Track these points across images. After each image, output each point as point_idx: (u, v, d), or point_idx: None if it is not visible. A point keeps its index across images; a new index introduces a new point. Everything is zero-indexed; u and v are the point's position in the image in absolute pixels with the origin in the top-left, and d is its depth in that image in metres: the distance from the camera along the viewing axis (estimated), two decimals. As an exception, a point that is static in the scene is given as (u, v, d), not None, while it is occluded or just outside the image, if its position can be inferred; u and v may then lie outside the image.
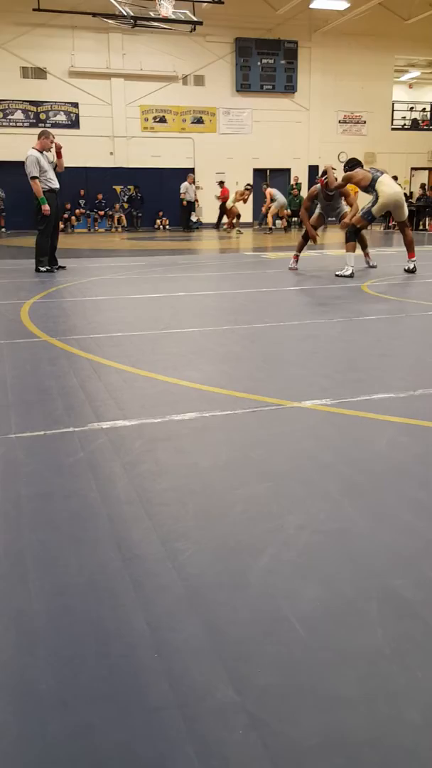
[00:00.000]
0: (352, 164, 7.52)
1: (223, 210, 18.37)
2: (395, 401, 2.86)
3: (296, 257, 8.40)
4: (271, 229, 17.74)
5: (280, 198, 17.40)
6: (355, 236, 7.51)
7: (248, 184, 17.84)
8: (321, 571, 1.55)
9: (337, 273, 7.41)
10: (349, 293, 6.26)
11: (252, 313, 5.31)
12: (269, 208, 17.61)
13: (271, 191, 17.55)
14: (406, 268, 7.63)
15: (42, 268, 8.15)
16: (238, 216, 17.73)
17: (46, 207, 7.77)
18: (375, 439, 2.44)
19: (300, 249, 8.38)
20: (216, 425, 2.59)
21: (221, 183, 19.15)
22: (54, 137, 8.07)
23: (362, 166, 7.49)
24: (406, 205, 7.40)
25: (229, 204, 17.71)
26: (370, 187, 7.19)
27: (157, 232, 19.15)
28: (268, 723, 1.10)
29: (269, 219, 17.74)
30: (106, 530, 1.76)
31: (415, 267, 7.60)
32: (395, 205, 7.26)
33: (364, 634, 1.32)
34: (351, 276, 7.24)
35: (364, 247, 8.26)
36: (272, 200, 17.32)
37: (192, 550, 1.65)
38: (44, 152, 7.90)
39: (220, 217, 18.95)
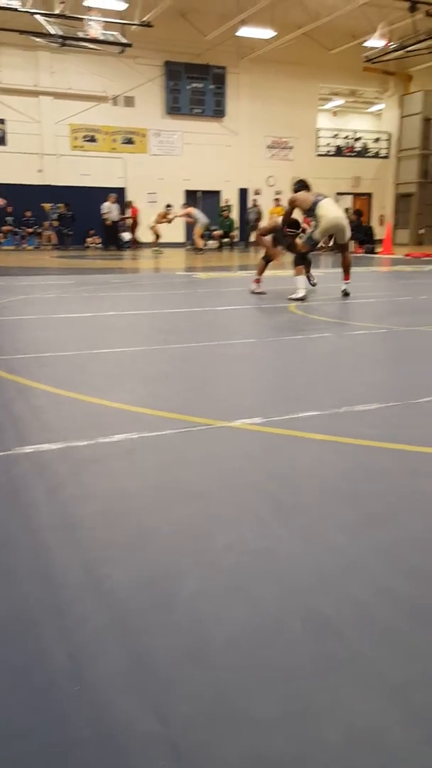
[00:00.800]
0: (299, 186, 7.49)
1: (132, 229, 18.56)
2: (321, 419, 2.91)
3: (257, 281, 8.07)
4: (200, 249, 17.85)
5: (201, 218, 17.48)
6: (301, 260, 7.52)
7: (168, 205, 17.83)
8: (247, 592, 1.54)
9: (289, 296, 7.31)
10: (279, 314, 6.36)
11: (183, 333, 5.32)
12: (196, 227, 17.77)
13: (190, 210, 17.63)
14: (342, 290, 7.60)
15: None
16: (158, 236, 17.73)
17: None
18: (302, 458, 2.47)
19: (261, 272, 8.10)
20: (144, 447, 2.56)
21: (129, 203, 19.31)
22: None
23: (308, 188, 7.45)
24: (348, 228, 7.42)
25: (150, 224, 17.76)
26: (310, 211, 7.18)
27: (88, 251, 19.00)
28: (191, 752, 1.08)
29: (196, 239, 17.85)
30: (27, 558, 1.71)
31: (347, 291, 7.58)
32: (336, 229, 7.27)
33: (288, 655, 1.32)
34: (303, 299, 7.18)
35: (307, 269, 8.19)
36: (195, 220, 17.43)
37: (117, 576, 1.61)
38: None
39: (116, 237, 19.07)
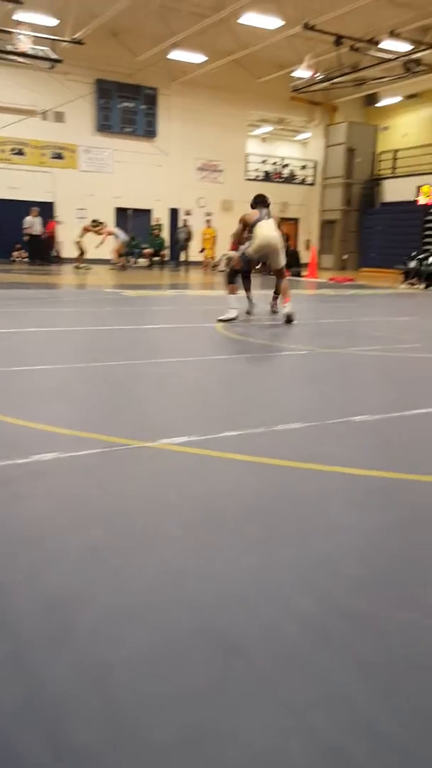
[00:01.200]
0: (254, 202, 7.37)
1: (48, 244, 18.50)
2: (239, 439, 2.94)
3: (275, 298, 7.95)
4: (123, 266, 17.65)
5: (121, 235, 17.40)
6: (233, 278, 7.31)
7: (94, 220, 17.61)
8: (153, 616, 1.53)
9: (219, 318, 7.04)
10: (205, 334, 6.41)
11: (106, 351, 5.27)
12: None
13: (110, 229, 17.57)
14: (285, 313, 7.22)
15: None
16: (82, 252, 17.57)
17: None
18: (218, 478, 2.49)
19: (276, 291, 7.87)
20: (59, 468, 2.51)
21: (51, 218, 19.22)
22: None
23: (265, 205, 7.28)
24: (281, 253, 7.15)
25: (75, 239, 17.59)
26: (252, 228, 7.06)
27: (14, 265, 18.60)
28: (85, 783, 1.06)
29: (115, 256, 17.71)
30: None
31: (290, 314, 7.25)
32: (267, 250, 7.05)
33: (190, 677, 1.31)
34: (234, 318, 7.01)
35: (247, 289, 7.89)
36: (116, 238, 17.38)
37: (19, 605, 1.57)
38: None
39: (42, 252, 18.94)
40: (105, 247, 17.63)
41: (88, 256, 17.84)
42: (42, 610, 1.54)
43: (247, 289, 7.80)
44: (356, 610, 1.59)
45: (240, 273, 7.43)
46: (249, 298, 7.81)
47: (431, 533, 2.07)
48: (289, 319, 7.06)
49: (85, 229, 17.27)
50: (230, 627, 1.49)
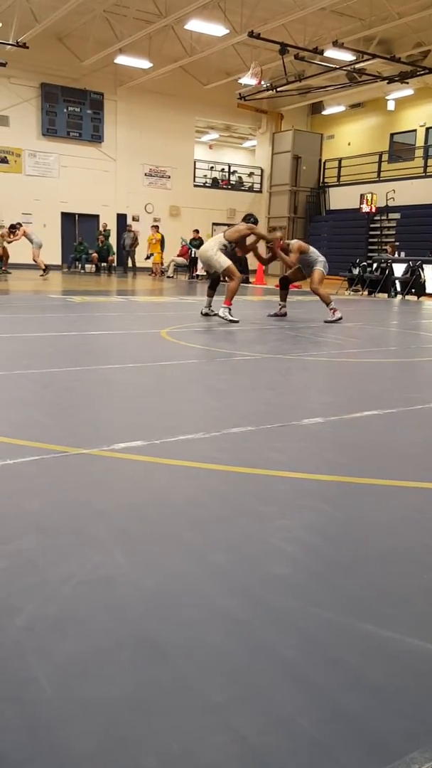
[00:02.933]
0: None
1: None
2: (177, 444, 2.94)
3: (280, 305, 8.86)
4: (44, 270, 16.80)
5: (36, 239, 16.81)
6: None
7: (12, 225, 17.10)
8: (78, 624, 1.52)
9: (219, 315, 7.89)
10: (148, 339, 6.40)
11: (47, 358, 5.20)
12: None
13: (24, 229, 16.99)
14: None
15: None
16: (6, 257, 17.22)
17: None
18: (154, 484, 2.48)
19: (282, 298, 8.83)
20: (-9, 476, 2.46)
21: None
22: None
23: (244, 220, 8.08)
24: (213, 259, 7.79)
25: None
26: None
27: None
28: (-1, 796, 1.04)
29: (40, 263, 16.98)
30: None
31: (219, 314, 7.98)
32: (203, 261, 8.07)
33: (112, 685, 1.31)
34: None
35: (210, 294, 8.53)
36: (30, 241, 16.75)
37: None
38: None
39: None
40: (54, 252, 17.31)
41: (20, 261, 17.47)
42: (-35, 622, 1.51)
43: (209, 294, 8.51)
44: (280, 609, 1.61)
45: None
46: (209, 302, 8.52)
47: (360, 533, 2.12)
48: (213, 315, 8.10)
49: (2, 236, 16.85)
50: (155, 633, 1.49)
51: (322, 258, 8.50)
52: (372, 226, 22.30)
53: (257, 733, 1.20)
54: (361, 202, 20.94)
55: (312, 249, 8.44)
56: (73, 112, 21.29)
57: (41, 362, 4.94)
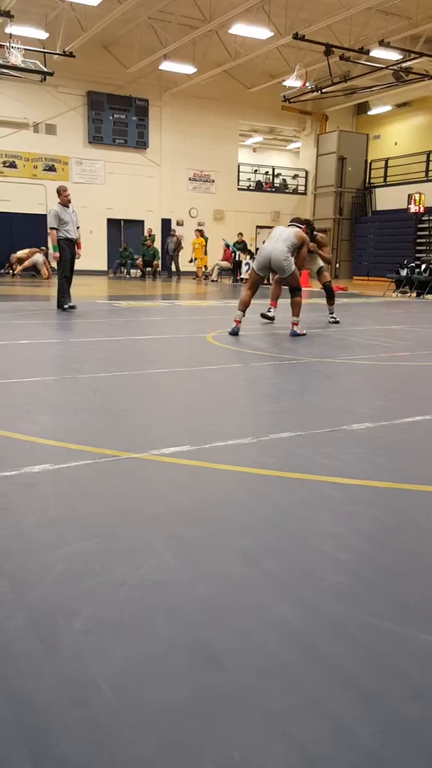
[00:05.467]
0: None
1: None
2: (227, 449, 2.95)
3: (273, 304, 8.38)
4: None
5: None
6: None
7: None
8: (135, 629, 1.54)
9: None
10: (194, 344, 6.43)
11: (97, 362, 5.28)
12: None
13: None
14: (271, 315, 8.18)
15: (65, 306, 9.05)
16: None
17: (56, 254, 8.89)
18: (205, 489, 2.50)
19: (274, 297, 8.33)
20: (47, 480, 2.51)
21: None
22: (65, 190, 9.01)
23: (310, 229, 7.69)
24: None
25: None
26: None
27: (7, 278, 18.61)
28: (64, 797, 1.06)
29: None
30: None
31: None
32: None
33: (170, 690, 1.32)
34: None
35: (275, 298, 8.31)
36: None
37: (3, 617, 1.57)
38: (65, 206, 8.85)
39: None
40: (99, 258, 17.57)
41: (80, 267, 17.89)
42: (27, 623, 1.54)
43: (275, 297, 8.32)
44: (336, 618, 1.60)
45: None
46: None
47: (415, 542, 2.09)
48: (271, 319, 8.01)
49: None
50: (210, 639, 1.50)
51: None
52: (420, 226, 21.90)
53: (316, 743, 1.19)
54: (409, 203, 20.58)
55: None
56: (118, 119, 21.57)
57: (91, 367, 5.01)
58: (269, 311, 8.21)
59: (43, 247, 18.22)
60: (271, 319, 8.11)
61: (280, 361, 5.47)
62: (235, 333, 6.85)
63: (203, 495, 2.43)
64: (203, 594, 1.70)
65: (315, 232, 7.96)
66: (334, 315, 8.46)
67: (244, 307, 6.94)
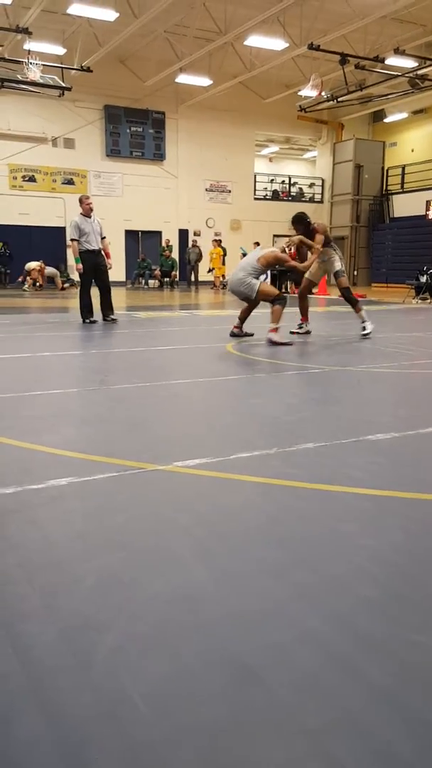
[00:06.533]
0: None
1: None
2: (252, 460, 2.94)
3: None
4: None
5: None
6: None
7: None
8: (169, 644, 1.53)
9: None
10: (215, 355, 6.43)
11: (119, 373, 5.31)
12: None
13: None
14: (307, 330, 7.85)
15: (86, 320, 8.99)
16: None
17: (78, 266, 8.83)
18: (232, 501, 2.48)
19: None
20: (73, 493, 2.52)
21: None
22: (87, 199, 9.03)
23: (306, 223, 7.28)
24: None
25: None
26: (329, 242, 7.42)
27: (30, 289, 18.80)
28: None
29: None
30: None
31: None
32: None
33: (206, 706, 1.31)
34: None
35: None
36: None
37: (36, 632, 1.57)
38: (87, 217, 8.83)
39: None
40: (116, 269, 17.81)
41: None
42: (59, 637, 1.54)
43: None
44: (370, 632, 1.58)
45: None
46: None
47: (447, 553, 2.06)
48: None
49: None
50: (245, 654, 1.49)
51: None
52: (438, 232, 21.79)
53: (356, 761, 1.17)
54: (427, 209, 20.48)
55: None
56: (135, 132, 21.78)
57: (114, 378, 5.04)
58: (300, 328, 7.84)
59: (41, 262, 18.75)
60: (307, 332, 7.82)
61: (302, 371, 5.45)
62: (233, 335, 7.42)
63: (230, 507, 2.42)
64: (235, 608, 1.69)
65: (312, 223, 7.32)
66: (365, 325, 7.61)
67: (242, 315, 7.42)
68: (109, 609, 1.67)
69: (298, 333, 7.77)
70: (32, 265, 18.62)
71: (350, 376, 5.26)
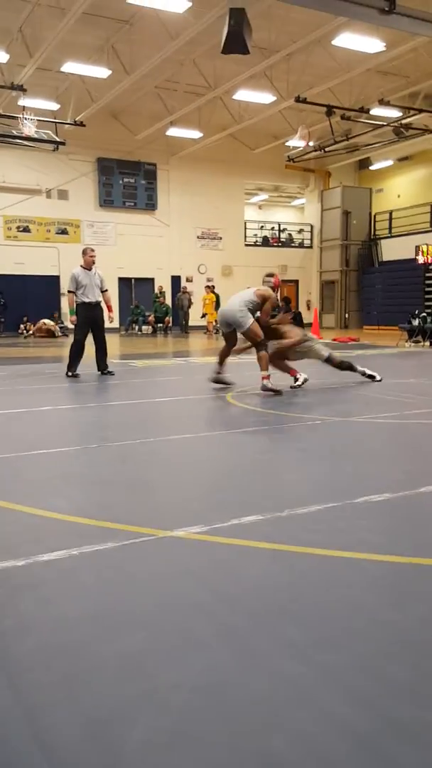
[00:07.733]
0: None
1: None
2: (264, 524, 2.90)
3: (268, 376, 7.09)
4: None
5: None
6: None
7: None
8: (196, 737, 1.48)
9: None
10: (216, 404, 6.43)
11: (121, 428, 5.28)
12: None
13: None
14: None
15: (69, 373, 8.68)
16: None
17: (72, 318, 8.93)
18: (247, 571, 2.44)
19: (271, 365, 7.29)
20: (85, 565, 2.47)
21: None
22: (92, 251, 9.12)
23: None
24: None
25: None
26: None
27: (20, 338, 18.87)
28: None
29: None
30: (-39, 711, 1.58)
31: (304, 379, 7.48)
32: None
33: None
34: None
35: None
36: None
37: (59, 725, 1.52)
38: (88, 269, 8.88)
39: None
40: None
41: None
42: (82, 734, 1.49)
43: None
44: (404, 719, 1.53)
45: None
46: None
47: (472, 625, 2.01)
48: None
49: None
50: (277, 746, 1.44)
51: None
52: (428, 275, 22.14)
53: None
54: (417, 254, 20.83)
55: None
56: (128, 183, 22.25)
57: (116, 434, 5.01)
58: (296, 381, 7.44)
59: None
60: (305, 380, 7.45)
61: (304, 422, 5.44)
62: (215, 381, 7.50)
63: (246, 578, 2.37)
64: (260, 695, 1.64)
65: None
66: (367, 373, 7.75)
67: (221, 358, 7.52)
68: (133, 700, 1.62)
69: (300, 386, 7.41)
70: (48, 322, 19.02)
71: (353, 428, 5.25)
